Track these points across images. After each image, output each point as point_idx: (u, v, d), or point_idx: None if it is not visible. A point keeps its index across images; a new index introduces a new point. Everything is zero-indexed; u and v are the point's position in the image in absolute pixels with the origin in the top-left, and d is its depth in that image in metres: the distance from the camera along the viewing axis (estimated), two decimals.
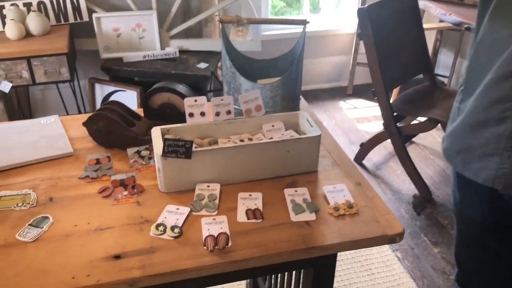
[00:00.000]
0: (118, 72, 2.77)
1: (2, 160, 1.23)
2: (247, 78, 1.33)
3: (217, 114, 1.24)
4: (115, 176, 1.19)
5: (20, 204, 1.10)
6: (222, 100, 1.22)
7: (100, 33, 2.77)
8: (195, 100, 1.22)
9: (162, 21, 2.87)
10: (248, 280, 1.90)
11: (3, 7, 2.60)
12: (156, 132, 1.19)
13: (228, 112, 1.24)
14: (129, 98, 2.74)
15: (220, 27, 1.32)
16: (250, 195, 1.14)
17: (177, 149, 1.10)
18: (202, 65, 2.80)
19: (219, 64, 3.05)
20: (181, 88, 1.40)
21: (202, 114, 1.23)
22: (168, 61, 2.83)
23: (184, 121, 1.26)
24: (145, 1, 2.85)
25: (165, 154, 1.10)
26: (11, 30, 2.53)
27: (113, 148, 1.32)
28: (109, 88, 2.81)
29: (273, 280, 1.68)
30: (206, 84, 2.76)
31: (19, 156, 1.25)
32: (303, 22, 1.31)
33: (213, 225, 1.05)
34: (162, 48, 2.89)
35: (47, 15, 2.68)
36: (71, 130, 1.40)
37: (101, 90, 2.84)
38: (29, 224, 1.04)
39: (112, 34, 2.80)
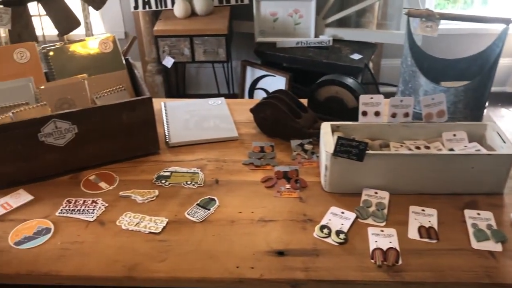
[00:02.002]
0: (270, 57, 2.78)
1: (174, 137, 1.28)
2: (426, 78, 1.21)
3: (393, 115, 1.14)
4: (278, 167, 1.17)
5: (189, 182, 1.13)
6: (401, 101, 1.12)
7: (258, 16, 2.80)
8: (371, 98, 1.14)
9: (319, 8, 2.81)
10: None
11: None
12: (326, 128, 1.14)
13: (406, 115, 1.14)
14: (277, 83, 2.74)
15: (407, 20, 1.21)
16: (423, 210, 1.03)
17: (350, 149, 1.04)
18: (356, 56, 2.69)
19: (373, 56, 2.91)
20: (351, 82, 1.33)
21: (377, 113, 1.14)
22: (321, 49, 2.77)
23: (351, 117, 1.20)
24: None
25: (336, 153, 1.04)
26: (179, 8, 2.67)
27: (276, 137, 1.30)
28: (259, 72, 2.84)
29: None
30: (357, 76, 2.65)
31: (189, 135, 1.29)
32: (507, 21, 1.14)
33: (381, 237, 0.96)
34: (316, 35, 2.83)
35: None
36: (236, 113, 1.42)
37: (252, 73, 2.88)
38: (197, 204, 1.06)
39: (269, 19, 2.81)
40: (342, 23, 2.93)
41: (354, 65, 2.60)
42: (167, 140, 1.27)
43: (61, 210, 1.05)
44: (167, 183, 1.13)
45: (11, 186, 1.12)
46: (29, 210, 1.05)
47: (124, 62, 1.32)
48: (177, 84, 3.26)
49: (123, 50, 1.33)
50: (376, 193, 1.07)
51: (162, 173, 1.16)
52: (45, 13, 1.76)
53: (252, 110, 1.30)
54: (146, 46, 2.94)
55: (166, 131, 1.31)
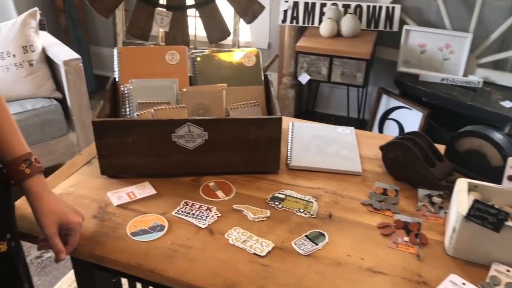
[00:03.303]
0: (410, 89, 2.65)
1: (296, 159, 1.27)
2: None
3: None
4: (399, 215, 1.09)
5: (301, 210, 1.10)
6: None
7: (405, 46, 2.68)
8: None
9: (474, 45, 2.60)
10: None
11: (324, 5, 2.75)
12: (461, 185, 1.03)
13: None
14: (413, 118, 2.60)
15: None
16: None
17: (486, 216, 0.92)
18: (507, 104, 2.44)
19: None
20: (500, 138, 1.18)
21: None
22: (468, 90, 2.56)
23: (492, 177, 1.07)
24: (463, 22, 2.62)
25: (469, 217, 0.93)
26: (326, 28, 2.67)
27: (402, 182, 1.21)
28: (395, 102, 2.72)
29: None
30: (505, 126, 2.39)
31: (311, 160, 1.26)
32: None
33: None
34: (465, 74, 2.63)
35: (360, 18, 2.73)
36: (363, 146, 1.35)
37: (386, 102, 2.77)
38: (306, 235, 1.03)
39: (416, 49, 2.68)
40: (498, 65, 2.68)
41: (504, 113, 2.36)
42: (288, 161, 1.26)
43: (178, 210, 1.09)
44: (280, 206, 1.12)
45: (139, 177, 1.20)
46: (149, 203, 1.12)
47: (262, 78, 1.34)
48: (308, 101, 3.27)
49: (264, 67, 1.35)
50: (508, 271, 0.94)
51: (277, 194, 1.15)
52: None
53: (382, 148, 1.23)
54: (286, 60, 2.99)
55: (288, 151, 1.30)
